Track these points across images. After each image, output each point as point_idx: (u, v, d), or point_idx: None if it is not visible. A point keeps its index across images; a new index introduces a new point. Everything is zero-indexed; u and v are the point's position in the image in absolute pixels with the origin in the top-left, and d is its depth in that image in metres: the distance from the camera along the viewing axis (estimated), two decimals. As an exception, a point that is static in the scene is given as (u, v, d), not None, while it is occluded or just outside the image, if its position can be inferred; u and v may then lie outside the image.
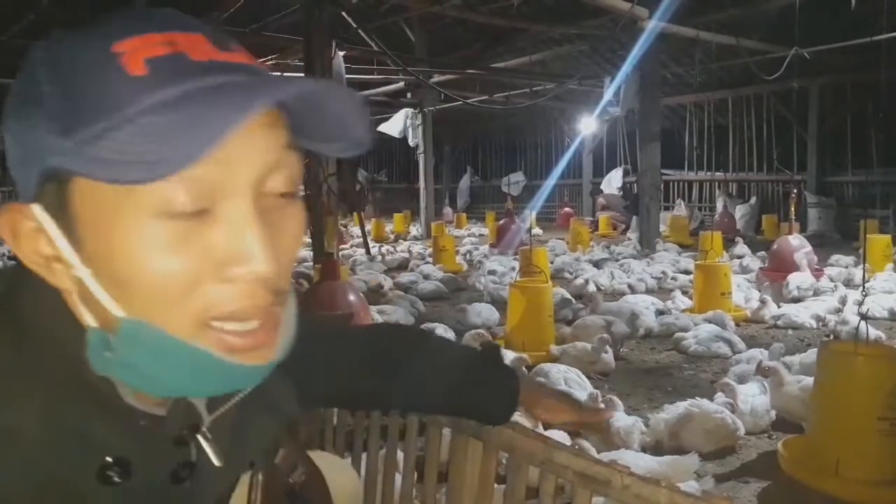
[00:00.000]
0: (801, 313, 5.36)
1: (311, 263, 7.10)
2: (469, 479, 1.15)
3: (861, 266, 5.99)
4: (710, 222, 13.42)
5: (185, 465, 0.59)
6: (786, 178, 13.14)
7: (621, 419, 2.91)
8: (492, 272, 7.81)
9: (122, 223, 0.47)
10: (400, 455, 1.35)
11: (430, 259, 9.36)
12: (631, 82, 9.54)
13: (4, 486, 0.49)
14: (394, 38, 11.75)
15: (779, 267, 6.80)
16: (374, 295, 6.50)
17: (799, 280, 6.29)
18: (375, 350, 1.02)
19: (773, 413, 3.21)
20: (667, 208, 14.16)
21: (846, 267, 7.39)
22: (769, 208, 13.35)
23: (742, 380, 3.52)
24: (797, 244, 6.88)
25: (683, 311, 5.68)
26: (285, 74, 0.53)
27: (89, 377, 0.53)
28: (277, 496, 0.72)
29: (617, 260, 8.76)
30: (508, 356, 4.08)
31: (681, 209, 14.45)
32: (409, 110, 13.51)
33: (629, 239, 11.36)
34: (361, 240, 9.51)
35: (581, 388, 3.45)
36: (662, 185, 12.21)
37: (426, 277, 7.59)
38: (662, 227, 11.68)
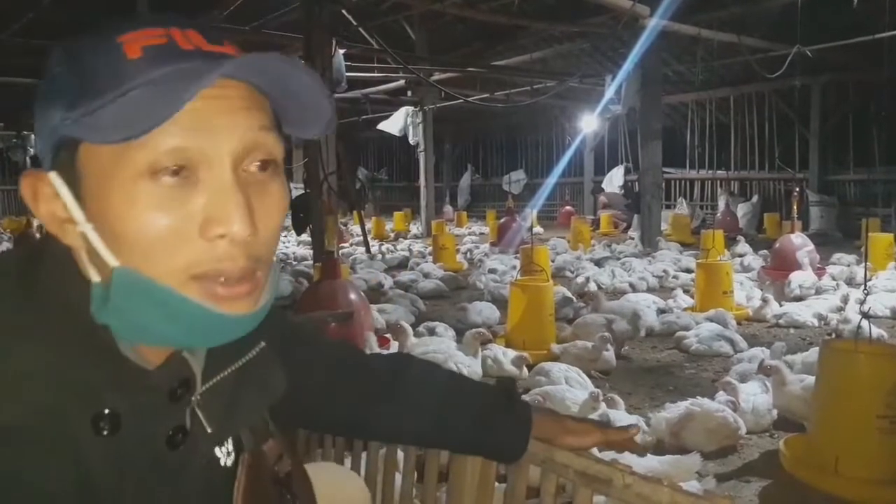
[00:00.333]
0: (803, 312, 5.35)
1: (312, 262, 7.11)
2: (469, 478, 1.14)
3: (863, 265, 5.97)
4: (711, 221, 13.40)
5: (179, 430, 0.63)
6: (788, 176, 13.13)
7: (622, 418, 2.91)
8: (492, 271, 7.80)
9: (118, 183, 0.55)
10: (400, 455, 1.34)
11: (431, 257, 9.35)
12: (632, 80, 9.52)
13: (12, 419, 0.54)
14: (394, 35, 11.73)
15: (781, 265, 6.79)
16: (375, 293, 6.50)
17: (801, 279, 6.28)
18: (390, 376, 1.01)
19: (775, 412, 3.20)
20: (668, 207, 14.16)
21: (848, 265, 7.37)
22: (771, 207, 13.35)
23: (744, 379, 3.51)
24: (799, 243, 6.87)
25: (685, 309, 5.68)
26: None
27: (93, 334, 0.59)
28: (263, 479, 0.76)
29: (618, 258, 8.75)
30: (510, 355, 4.08)
31: (682, 207, 14.44)
32: (410, 108, 13.50)
33: (630, 237, 11.35)
34: (361, 238, 9.50)
35: (582, 386, 3.45)
36: (664, 184, 12.19)
37: (426, 276, 7.59)
38: (664, 226, 11.67)
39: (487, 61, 12.73)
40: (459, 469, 1.15)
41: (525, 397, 3.18)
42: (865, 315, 2.96)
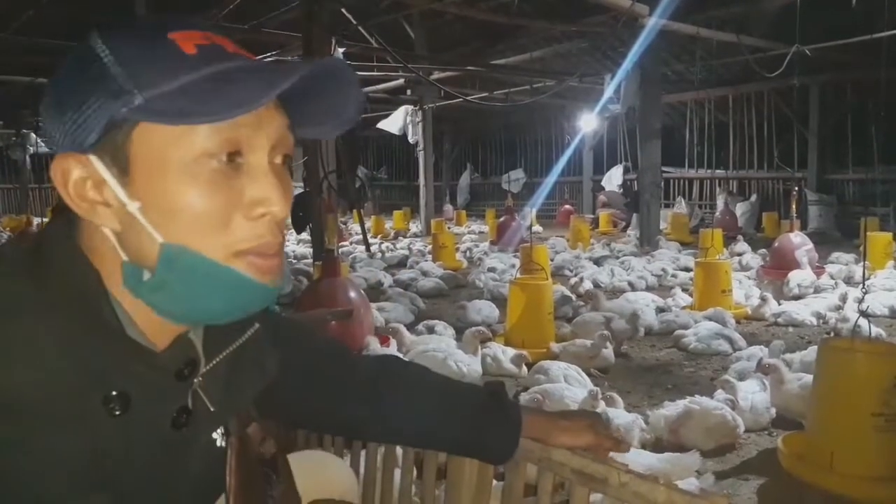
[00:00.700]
0: (802, 311, 5.36)
1: (312, 260, 7.11)
2: (467, 476, 1.15)
3: (861, 264, 5.98)
4: (710, 220, 13.40)
5: (183, 411, 0.68)
6: (786, 175, 13.12)
7: (621, 416, 2.91)
8: (492, 269, 7.80)
9: (175, 164, 0.60)
10: (399, 452, 1.35)
11: (430, 256, 9.35)
12: (631, 79, 9.51)
13: (24, 392, 0.57)
14: (394, 34, 11.70)
15: (779, 264, 6.79)
16: (374, 292, 6.50)
17: (799, 277, 6.29)
18: (376, 378, 1.02)
19: (774, 410, 3.20)
20: (667, 206, 14.15)
21: (847, 264, 7.38)
22: (770, 206, 13.34)
23: (742, 377, 3.52)
24: (798, 242, 6.87)
25: (684, 308, 5.68)
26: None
27: (103, 318, 0.63)
28: (250, 460, 0.80)
29: (617, 257, 8.75)
30: (509, 353, 4.09)
31: (681, 207, 14.43)
32: (409, 107, 13.48)
33: (629, 236, 11.35)
34: (361, 237, 9.50)
35: (581, 385, 3.45)
36: (663, 183, 12.19)
37: (426, 274, 7.58)
38: (663, 225, 11.67)
39: (487, 60, 12.71)
40: (457, 467, 1.16)
41: (524, 395, 3.20)
42: (864, 314, 2.97)
